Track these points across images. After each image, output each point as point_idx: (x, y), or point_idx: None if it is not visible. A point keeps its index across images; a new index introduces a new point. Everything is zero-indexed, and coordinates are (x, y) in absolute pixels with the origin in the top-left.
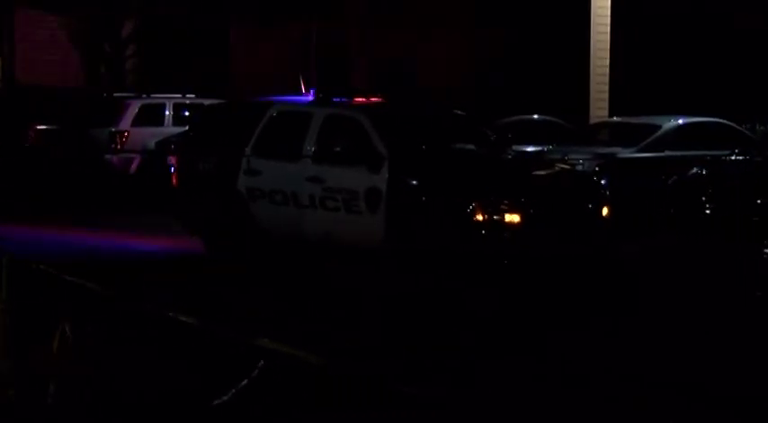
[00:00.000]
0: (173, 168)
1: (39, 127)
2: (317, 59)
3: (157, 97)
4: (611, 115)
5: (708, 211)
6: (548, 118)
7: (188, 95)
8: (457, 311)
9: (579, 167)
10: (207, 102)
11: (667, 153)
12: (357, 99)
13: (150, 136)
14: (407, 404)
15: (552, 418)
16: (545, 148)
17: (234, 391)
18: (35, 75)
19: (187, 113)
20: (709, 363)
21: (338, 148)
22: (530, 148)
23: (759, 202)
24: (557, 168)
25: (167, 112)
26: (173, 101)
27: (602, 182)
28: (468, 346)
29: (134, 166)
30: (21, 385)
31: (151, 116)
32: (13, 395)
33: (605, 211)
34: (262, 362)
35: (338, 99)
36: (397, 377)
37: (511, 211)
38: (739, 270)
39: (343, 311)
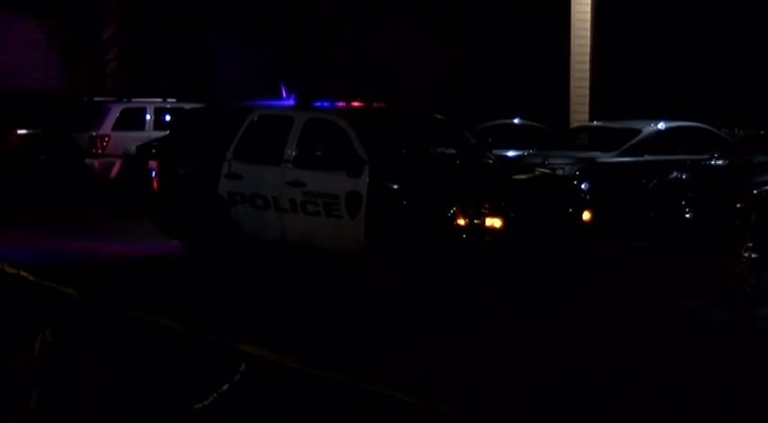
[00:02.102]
0: (153, 173)
1: (19, 131)
2: (297, 63)
3: (138, 101)
4: (591, 119)
5: (687, 216)
6: (528, 122)
7: (169, 100)
8: (437, 313)
9: (559, 172)
10: (188, 106)
11: (647, 157)
12: (338, 103)
13: (131, 140)
14: (388, 406)
15: (544, 418)
16: (525, 153)
17: (215, 394)
18: (14, 79)
19: (168, 118)
20: (688, 364)
21: (319, 153)
22: (510, 153)
23: (738, 205)
24: (537, 172)
25: (148, 117)
26: (153, 105)
27: (583, 186)
28: (447, 347)
29: (115, 171)
30: (3, 391)
31: (132, 120)
32: None
33: (586, 215)
34: (243, 366)
35: (319, 103)
36: (376, 379)
37: (491, 215)
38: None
39: (323, 314)
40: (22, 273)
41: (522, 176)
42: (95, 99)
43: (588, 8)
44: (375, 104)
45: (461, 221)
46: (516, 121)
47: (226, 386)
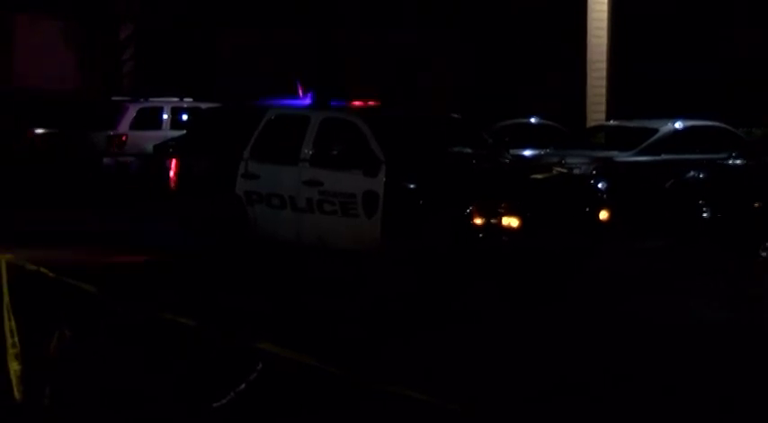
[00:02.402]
0: (170, 172)
1: (37, 131)
2: (314, 63)
3: (155, 101)
4: (607, 119)
5: (705, 215)
6: (545, 121)
7: (185, 99)
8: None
9: (576, 171)
10: (204, 105)
11: (664, 156)
12: (354, 103)
13: (148, 139)
14: (404, 406)
15: (546, 419)
16: (542, 152)
17: (233, 393)
18: (32, 79)
19: (185, 117)
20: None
21: (335, 152)
22: (527, 152)
23: (756, 205)
24: (554, 172)
25: (165, 116)
26: (170, 105)
27: (600, 185)
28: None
29: (132, 170)
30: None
31: (149, 120)
32: (21, 397)
33: (603, 214)
34: (260, 364)
35: (335, 103)
36: (392, 379)
37: (508, 215)
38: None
39: (340, 313)
40: (42, 269)
41: (539, 176)
42: (112, 98)
43: (605, 7)
44: (370, 103)
45: (478, 221)
46: (533, 120)
47: (243, 385)
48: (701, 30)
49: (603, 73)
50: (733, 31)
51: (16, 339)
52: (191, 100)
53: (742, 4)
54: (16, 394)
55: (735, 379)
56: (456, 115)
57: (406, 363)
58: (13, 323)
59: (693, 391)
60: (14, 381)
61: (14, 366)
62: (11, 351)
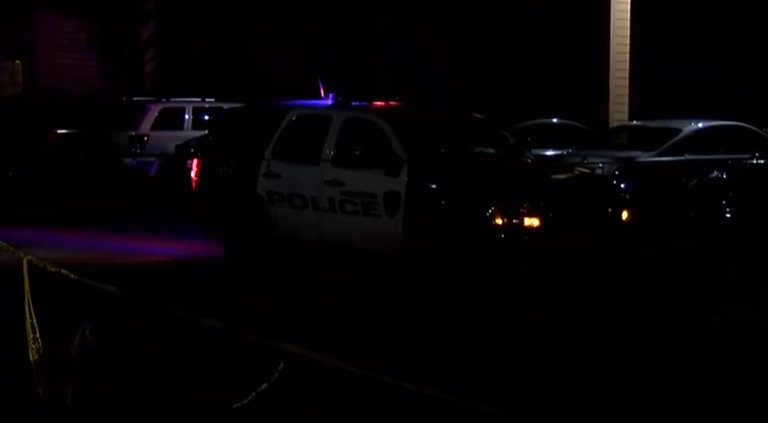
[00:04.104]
0: (192, 172)
1: (59, 131)
2: (335, 63)
3: (177, 101)
4: (630, 119)
5: (728, 216)
6: (567, 121)
7: (207, 99)
8: (466, 311)
9: (599, 171)
10: (226, 105)
11: (687, 157)
12: (376, 103)
13: (170, 140)
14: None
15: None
16: (564, 152)
17: (254, 394)
18: (55, 78)
19: (207, 117)
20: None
21: (357, 152)
22: (549, 152)
23: None
24: (576, 172)
25: (187, 116)
26: (192, 105)
27: (622, 186)
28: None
29: (154, 170)
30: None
31: (171, 120)
32: (43, 395)
33: (625, 214)
34: (282, 365)
35: (357, 103)
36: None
37: (530, 215)
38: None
39: (362, 313)
40: (63, 271)
41: (561, 176)
42: (134, 99)
43: (628, 7)
44: (392, 103)
45: (500, 221)
46: (555, 120)
47: (264, 385)
48: (725, 29)
49: (626, 73)
50: (757, 31)
51: (38, 335)
52: (212, 100)
53: (765, 1)
54: (39, 391)
55: (747, 380)
56: (478, 115)
57: (415, 361)
58: (34, 320)
59: (704, 393)
60: (37, 376)
61: (36, 361)
62: (32, 346)
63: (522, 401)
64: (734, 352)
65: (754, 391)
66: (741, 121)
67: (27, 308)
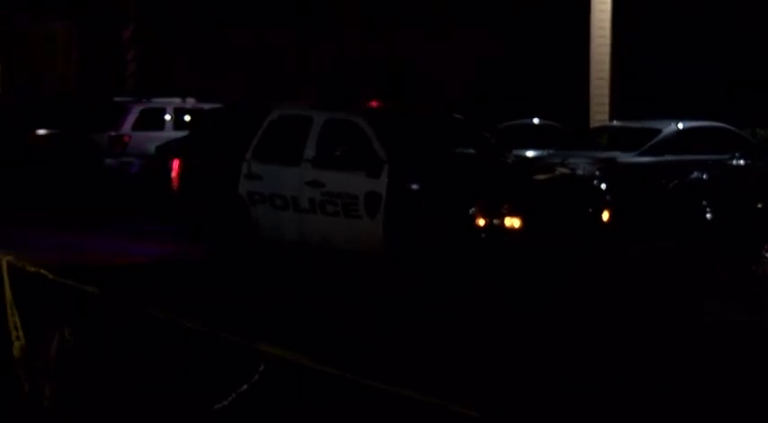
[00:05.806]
0: (173, 173)
1: (39, 132)
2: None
3: (158, 101)
4: (611, 119)
5: (708, 216)
6: (548, 122)
7: (188, 100)
8: (452, 311)
9: (579, 172)
10: (207, 106)
11: (668, 157)
12: (356, 103)
13: (151, 140)
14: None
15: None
16: (545, 153)
17: (234, 395)
18: (34, 79)
19: (187, 118)
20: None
21: (338, 153)
22: (530, 153)
23: (759, 206)
24: (557, 173)
25: (168, 117)
26: (173, 105)
27: (603, 186)
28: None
29: (134, 171)
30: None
31: (151, 120)
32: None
33: (606, 215)
34: (262, 366)
35: (338, 103)
36: (393, 380)
37: (511, 216)
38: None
39: (342, 314)
40: (42, 271)
41: (542, 177)
42: (115, 99)
43: (608, 7)
44: (372, 103)
45: (480, 222)
46: (536, 120)
47: (245, 386)
48: (705, 29)
49: (607, 74)
50: (736, 31)
51: (21, 333)
52: (193, 101)
53: (745, 3)
54: (25, 387)
55: (738, 380)
56: (459, 116)
57: (406, 362)
58: (16, 318)
59: (698, 393)
60: (22, 373)
61: (20, 358)
62: (16, 343)
63: (514, 401)
64: (728, 352)
65: (748, 391)
66: (722, 122)
67: (9, 306)
